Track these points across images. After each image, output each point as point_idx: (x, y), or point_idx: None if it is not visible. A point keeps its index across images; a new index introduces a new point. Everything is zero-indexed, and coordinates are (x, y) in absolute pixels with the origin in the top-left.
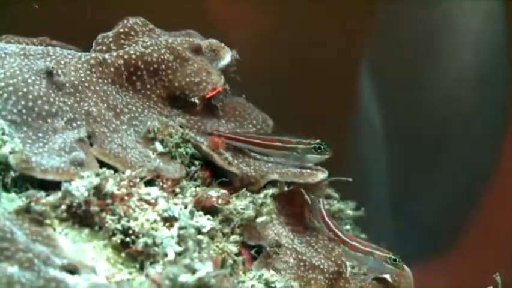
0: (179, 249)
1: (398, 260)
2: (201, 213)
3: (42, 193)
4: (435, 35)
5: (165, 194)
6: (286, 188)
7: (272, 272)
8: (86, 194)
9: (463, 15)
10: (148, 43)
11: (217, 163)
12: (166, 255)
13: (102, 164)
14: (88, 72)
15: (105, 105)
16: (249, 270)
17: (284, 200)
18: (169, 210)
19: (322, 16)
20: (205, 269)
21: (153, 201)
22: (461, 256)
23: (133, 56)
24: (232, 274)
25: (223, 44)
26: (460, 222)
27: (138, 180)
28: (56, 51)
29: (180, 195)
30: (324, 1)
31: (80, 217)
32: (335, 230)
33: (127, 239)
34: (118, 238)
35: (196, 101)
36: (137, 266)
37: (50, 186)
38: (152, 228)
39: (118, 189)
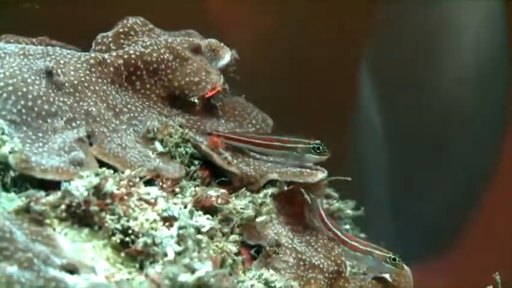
0: (178, 248)
1: (397, 259)
2: (200, 212)
3: (42, 193)
4: (435, 35)
5: (165, 194)
6: (285, 188)
7: (272, 271)
8: (85, 193)
9: (463, 15)
10: (148, 43)
11: (216, 163)
12: (165, 254)
13: (101, 164)
14: (87, 72)
15: (104, 105)
16: (248, 269)
17: (284, 199)
18: (169, 209)
19: (322, 16)
20: (204, 268)
21: (153, 200)
22: (461, 256)
23: (133, 56)
24: (231, 274)
25: (222, 44)
26: (459, 222)
27: (138, 179)
28: (55, 51)
29: (180, 195)
30: (324, 1)
31: (80, 217)
32: (333, 229)
33: (127, 239)
34: (117, 238)
35: (196, 100)
36: (137, 265)
37: (50, 186)
38: (152, 228)
39: (118, 189)
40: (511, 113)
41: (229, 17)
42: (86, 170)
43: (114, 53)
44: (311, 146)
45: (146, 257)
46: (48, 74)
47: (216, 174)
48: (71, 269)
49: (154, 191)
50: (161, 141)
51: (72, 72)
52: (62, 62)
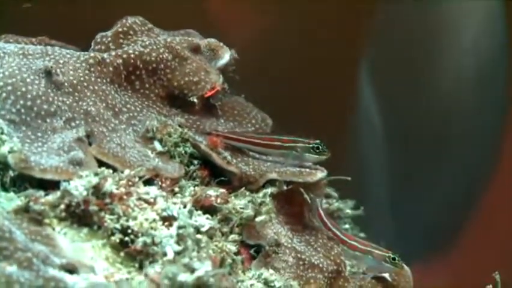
0: (178, 248)
1: (397, 259)
2: (199, 212)
3: (41, 192)
4: (435, 35)
5: (164, 193)
6: (285, 187)
7: (271, 271)
8: (85, 193)
9: (463, 15)
10: (147, 42)
11: (216, 162)
12: (165, 254)
13: (101, 164)
14: (86, 71)
15: (104, 104)
16: (248, 269)
17: (283, 199)
18: (168, 209)
19: (322, 16)
20: (204, 268)
21: (152, 200)
22: (461, 256)
23: (132, 56)
24: (231, 273)
25: (222, 43)
26: (459, 222)
27: (137, 179)
28: (55, 51)
29: (179, 195)
30: (324, 1)
31: (79, 216)
32: (333, 229)
33: (126, 238)
34: (117, 237)
35: (195, 100)
36: (136, 265)
37: (49, 185)
38: (151, 228)
39: (117, 189)
40: (511, 113)
41: (228, 16)
42: (86, 170)
43: (113, 53)
44: (310, 145)
45: (145, 256)
46: (48, 73)
47: (215, 174)
48: (71, 269)
49: (153, 190)
50: (161, 141)
51: (71, 72)
52: (61, 61)
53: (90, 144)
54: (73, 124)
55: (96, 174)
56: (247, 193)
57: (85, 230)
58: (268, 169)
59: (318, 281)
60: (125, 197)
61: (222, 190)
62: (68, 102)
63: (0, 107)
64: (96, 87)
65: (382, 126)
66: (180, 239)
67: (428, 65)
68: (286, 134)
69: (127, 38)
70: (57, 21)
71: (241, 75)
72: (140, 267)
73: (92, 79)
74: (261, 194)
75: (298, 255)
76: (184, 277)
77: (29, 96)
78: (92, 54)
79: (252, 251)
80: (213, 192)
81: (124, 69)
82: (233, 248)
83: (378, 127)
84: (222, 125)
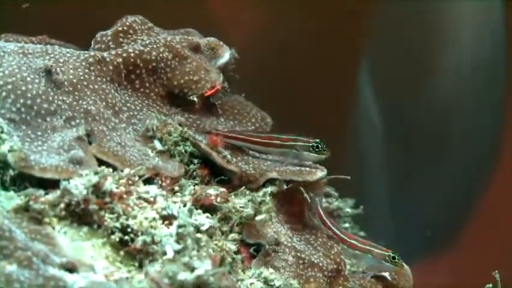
0: (178, 247)
1: (397, 258)
2: (199, 211)
3: (41, 191)
4: (435, 35)
5: (164, 192)
6: (285, 186)
7: (271, 270)
8: (84, 192)
9: (463, 15)
10: (147, 41)
11: (216, 161)
12: (164, 253)
13: (101, 162)
14: (86, 70)
15: (104, 103)
16: (247, 268)
17: (283, 198)
18: (168, 208)
19: (322, 16)
20: (203, 267)
21: (152, 199)
22: (460, 256)
23: (132, 55)
24: (231, 272)
25: (222, 42)
26: (459, 222)
27: (137, 178)
28: (54, 50)
29: (179, 194)
30: (324, 1)
31: (79, 215)
32: (333, 228)
33: (126, 237)
34: (116, 236)
35: (195, 99)
36: (136, 264)
37: (49, 184)
38: (151, 227)
39: (117, 188)
40: (511, 113)
41: (228, 15)
42: (85, 169)
43: (113, 52)
44: (310, 144)
45: (145, 255)
46: (48, 72)
47: (215, 173)
48: (70, 268)
49: (153, 189)
50: (161, 140)
51: (71, 71)
52: (61, 60)
53: (90, 143)
54: (73, 123)
55: (96, 173)
56: (247, 192)
57: (85, 229)
58: (268, 168)
59: (318, 279)
60: (125, 196)
61: (222, 189)
62: (68, 101)
63: (0, 106)
64: (96, 86)
65: (382, 126)
66: (180, 238)
67: (428, 65)
68: (286, 133)
69: (127, 37)
70: (57, 20)
71: (241, 74)
72: (140, 266)
73: (92, 78)
74: (261, 193)
75: (298, 254)
76: (184, 276)
77: (29, 95)
78: (92, 53)
79: (251, 250)
80: (213, 191)
81: (124, 68)
82: (233, 247)
83: (378, 127)
84: (222, 124)
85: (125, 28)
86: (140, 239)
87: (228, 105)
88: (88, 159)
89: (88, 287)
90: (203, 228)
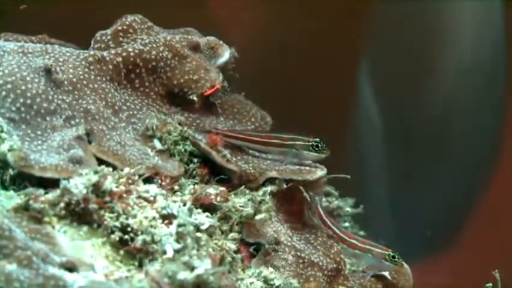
0: (178, 246)
1: (397, 257)
2: (199, 210)
3: (41, 191)
4: (435, 35)
5: (164, 192)
6: (285, 186)
7: (271, 269)
8: (84, 191)
9: (463, 15)
10: (147, 41)
11: (215, 160)
12: (164, 252)
13: (101, 162)
14: (86, 69)
15: (103, 102)
16: (247, 267)
17: (283, 197)
18: (168, 207)
19: (322, 16)
20: (203, 266)
21: (152, 198)
22: (460, 255)
23: (132, 54)
24: (230, 271)
25: (221, 42)
26: (459, 222)
27: (137, 177)
28: (54, 49)
29: (179, 193)
30: (324, 1)
31: (79, 215)
32: (332, 227)
33: (126, 237)
34: (116, 235)
35: (195, 98)
36: (136, 263)
37: (49, 183)
38: (151, 226)
39: (117, 187)
40: (511, 113)
41: (228, 15)
42: (85, 168)
43: (113, 51)
44: (310, 143)
45: (145, 254)
46: (47, 72)
47: (215, 172)
48: (70, 267)
49: (153, 188)
50: (160, 139)
51: (71, 70)
52: (61, 60)
53: (90, 142)
54: (72, 122)
55: (96, 172)
56: (247, 191)
57: (85, 228)
58: (268, 167)
59: (318, 279)
60: (125, 195)
61: (222, 188)
62: (67, 100)
63: (0, 105)
64: (96, 86)
65: (382, 126)
66: (180, 237)
67: (428, 65)
68: (286, 132)
69: (127, 36)
70: (57, 20)
71: (241, 74)
72: (140, 266)
73: (92, 77)
74: (260, 192)
75: (298, 253)
76: (184, 275)
77: (29, 94)
78: (91, 53)
79: (251, 249)
80: (213, 191)
81: (123, 68)
82: (233, 246)
83: (378, 127)
84: (221, 123)
85: (125, 27)
86: (140, 238)
87: (227, 105)
88: (87, 158)
89: (87, 286)
90: (203, 227)
